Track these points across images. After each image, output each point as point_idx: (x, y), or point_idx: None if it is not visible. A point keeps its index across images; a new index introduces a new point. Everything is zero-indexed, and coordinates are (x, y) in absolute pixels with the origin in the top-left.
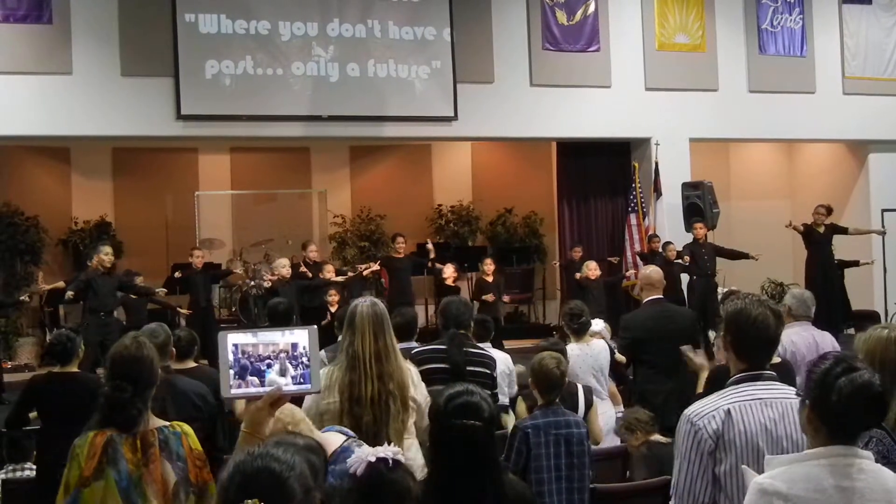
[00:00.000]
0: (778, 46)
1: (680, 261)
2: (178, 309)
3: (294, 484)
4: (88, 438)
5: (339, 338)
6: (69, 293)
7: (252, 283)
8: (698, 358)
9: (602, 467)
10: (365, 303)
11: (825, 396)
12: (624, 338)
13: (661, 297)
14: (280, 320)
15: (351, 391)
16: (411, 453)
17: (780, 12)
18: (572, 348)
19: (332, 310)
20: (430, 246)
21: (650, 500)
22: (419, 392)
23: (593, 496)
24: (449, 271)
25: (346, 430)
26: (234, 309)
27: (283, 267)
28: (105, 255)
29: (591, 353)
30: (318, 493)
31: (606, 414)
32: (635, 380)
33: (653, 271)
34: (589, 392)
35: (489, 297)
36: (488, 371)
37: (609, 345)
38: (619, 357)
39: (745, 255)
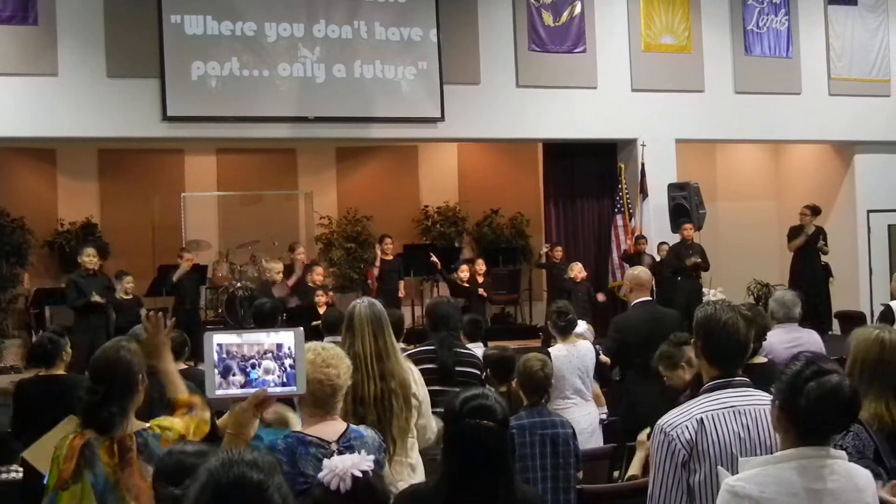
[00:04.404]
0: (764, 47)
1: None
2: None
3: (274, 495)
4: (67, 441)
5: (325, 339)
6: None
7: (239, 284)
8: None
9: (589, 468)
10: (363, 303)
11: (794, 399)
12: (614, 339)
13: (650, 298)
14: (265, 321)
15: (354, 392)
16: (414, 452)
17: (766, 13)
18: (559, 349)
19: (321, 311)
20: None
21: (636, 501)
22: (420, 390)
23: (580, 497)
24: (466, 274)
25: None
26: (220, 310)
27: (277, 272)
28: (87, 256)
29: (577, 354)
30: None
31: (591, 415)
32: (623, 381)
33: (641, 272)
34: None
35: (481, 291)
36: (477, 371)
37: (594, 346)
38: (604, 358)
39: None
